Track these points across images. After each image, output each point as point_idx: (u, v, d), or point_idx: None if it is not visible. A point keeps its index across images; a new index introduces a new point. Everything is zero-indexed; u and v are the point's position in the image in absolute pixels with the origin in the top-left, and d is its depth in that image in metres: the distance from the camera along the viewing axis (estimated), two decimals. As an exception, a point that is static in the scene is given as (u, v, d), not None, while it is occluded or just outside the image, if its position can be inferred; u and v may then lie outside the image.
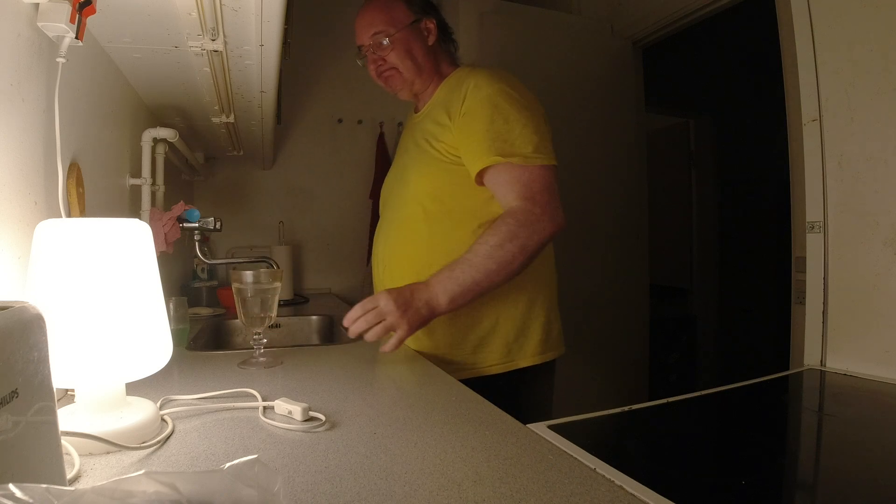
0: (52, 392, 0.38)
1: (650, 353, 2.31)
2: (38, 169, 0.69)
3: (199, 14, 0.85)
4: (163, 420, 0.65)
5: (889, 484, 0.60)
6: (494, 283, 0.98)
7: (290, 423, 0.66)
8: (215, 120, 1.45)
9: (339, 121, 2.36)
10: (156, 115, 1.46)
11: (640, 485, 0.50)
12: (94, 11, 0.71)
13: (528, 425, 0.66)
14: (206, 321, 1.54)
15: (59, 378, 0.55)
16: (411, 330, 0.96)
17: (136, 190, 1.24)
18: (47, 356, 0.38)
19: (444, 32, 1.21)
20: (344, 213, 2.36)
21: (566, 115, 1.80)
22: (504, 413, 0.69)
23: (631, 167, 2.22)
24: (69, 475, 0.50)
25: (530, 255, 0.99)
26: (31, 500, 0.25)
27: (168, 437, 0.61)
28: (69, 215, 0.75)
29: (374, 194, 2.30)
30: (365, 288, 2.27)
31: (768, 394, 0.97)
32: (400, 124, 2.32)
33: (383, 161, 2.31)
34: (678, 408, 0.84)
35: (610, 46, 2.20)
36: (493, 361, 1.09)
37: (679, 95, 3.18)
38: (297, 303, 2.00)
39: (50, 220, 0.57)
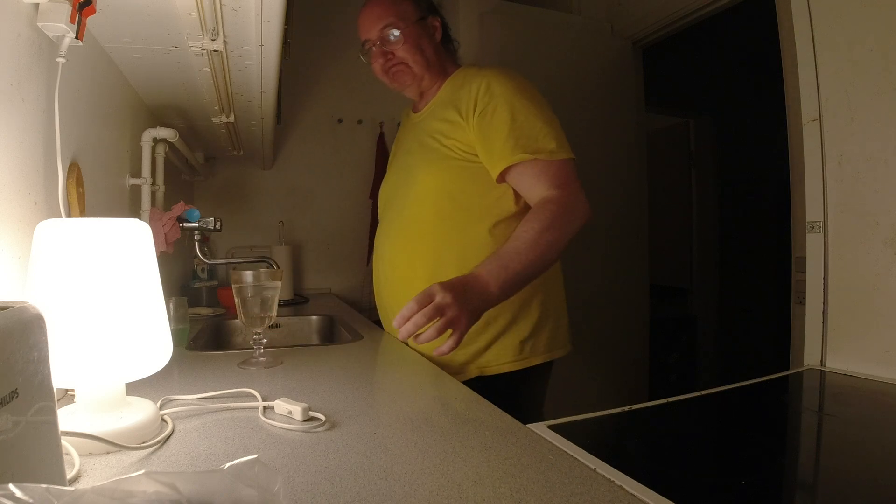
0: (52, 392, 0.38)
1: (650, 353, 2.31)
2: (38, 169, 0.69)
3: (199, 14, 0.85)
4: (163, 420, 0.65)
5: (889, 484, 0.60)
6: (539, 270, 0.96)
7: (290, 423, 0.66)
8: (215, 120, 1.45)
9: (339, 121, 2.36)
10: (156, 115, 1.46)
11: (640, 485, 0.50)
12: (94, 11, 0.71)
13: (528, 425, 0.66)
14: (206, 321, 1.53)
15: (59, 378, 0.54)
16: (469, 325, 0.88)
17: (136, 190, 1.24)
18: (47, 356, 0.38)
19: (446, 32, 1.21)
20: (344, 213, 2.36)
21: (566, 115, 1.78)
22: (504, 413, 0.69)
23: (631, 167, 2.22)
24: (69, 475, 0.50)
25: (568, 242, 0.97)
26: (31, 500, 0.25)
27: (168, 437, 0.61)
28: (69, 215, 0.75)
29: (374, 194, 2.29)
30: (365, 288, 2.27)
31: (768, 394, 0.97)
32: (399, 125, 2.32)
33: (383, 161, 2.30)
34: (678, 408, 0.84)
35: (610, 46, 2.20)
36: (507, 359, 1.07)
37: (679, 95, 3.18)
38: (297, 303, 2.00)
39: (50, 220, 0.57)
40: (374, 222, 2.28)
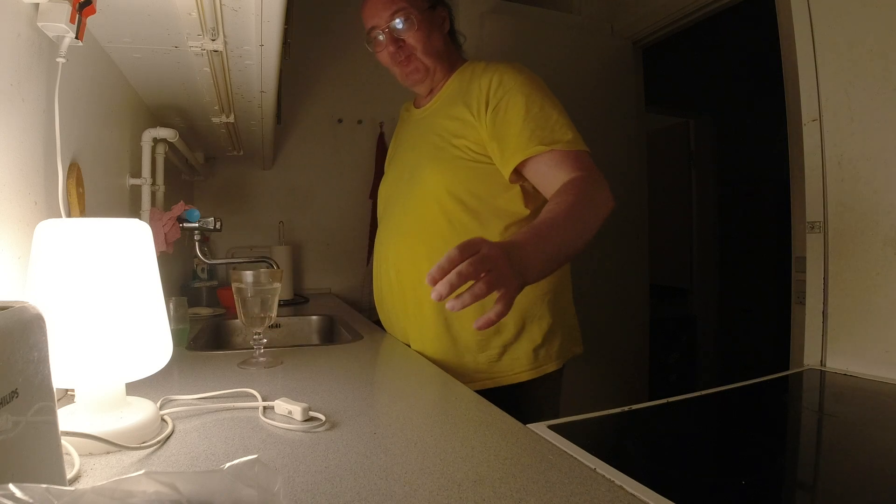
0: (52, 392, 0.38)
1: (650, 353, 2.31)
2: (38, 169, 0.69)
3: (199, 14, 0.85)
4: (163, 420, 0.65)
5: (889, 484, 0.60)
6: (575, 247, 0.83)
7: (290, 423, 0.66)
8: (215, 120, 1.45)
9: (339, 121, 2.36)
10: (156, 115, 1.46)
11: (640, 485, 0.50)
12: (94, 11, 0.71)
13: (528, 425, 0.66)
14: (206, 321, 1.53)
15: (59, 378, 0.54)
16: (515, 295, 0.68)
17: (136, 190, 1.24)
18: (47, 356, 0.38)
19: (452, 25, 1.16)
20: (344, 213, 2.36)
21: (566, 115, 1.80)
22: (504, 413, 0.69)
23: (631, 167, 2.22)
24: (69, 475, 0.50)
25: (599, 223, 0.87)
26: (31, 500, 0.25)
27: (168, 437, 0.61)
28: (69, 215, 0.75)
29: (375, 194, 2.29)
30: (365, 288, 2.27)
31: (768, 394, 0.97)
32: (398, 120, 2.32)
33: (383, 161, 2.30)
34: (678, 408, 0.84)
35: (610, 46, 2.20)
36: (521, 368, 1.02)
37: (679, 95, 3.19)
38: (297, 303, 2.00)
39: (50, 220, 0.57)
40: (374, 222, 2.29)
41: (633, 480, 0.51)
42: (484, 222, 1.02)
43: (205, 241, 1.47)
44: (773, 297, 3.09)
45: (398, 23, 1.06)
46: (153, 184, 1.29)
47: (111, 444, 0.55)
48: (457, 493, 0.48)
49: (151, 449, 0.58)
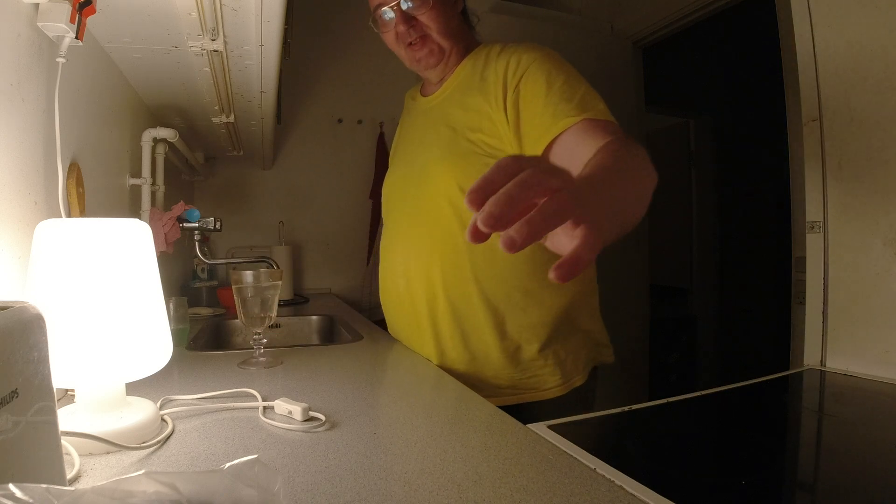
0: (52, 392, 0.38)
1: (650, 353, 2.31)
2: (38, 169, 0.69)
3: (199, 14, 0.85)
4: (163, 420, 0.65)
5: (889, 484, 0.60)
6: (635, 216, 0.62)
7: (290, 423, 0.66)
8: (215, 120, 1.45)
9: (339, 121, 2.36)
10: (156, 115, 1.46)
11: (640, 485, 0.50)
12: (94, 11, 0.71)
13: (528, 425, 0.66)
14: (206, 321, 1.53)
15: (59, 378, 0.55)
16: (599, 235, 0.43)
17: (136, 190, 1.24)
18: (47, 356, 0.38)
19: (465, 3, 1.05)
20: (344, 213, 2.36)
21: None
22: (504, 413, 0.69)
23: (631, 167, 2.21)
24: (69, 475, 0.50)
25: (650, 195, 0.66)
26: (31, 500, 0.25)
27: (168, 437, 0.61)
28: (69, 215, 0.75)
29: (375, 194, 2.30)
30: (365, 288, 2.27)
31: (768, 394, 0.97)
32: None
33: (383, 161, 2.30)
34: (678, 408, 0.84)
35: (610, 46, 2.20)
36: (548, 384, 0.95)
37: (679, 95, 3.19)
38: (297, 303, 2.00)
39: (50, 220, 0.57)
40: (375, 222, 2.29)
41: (633, 480, 0.51)
42: None
43: (205, 241, 1.47)
44: (773, 297, 3.09)
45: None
46: (153, 184, 1.29)
47: (111, 444, 0.55)
48: (457, 493, 0.48)
49: (151, 449, 0.58)
